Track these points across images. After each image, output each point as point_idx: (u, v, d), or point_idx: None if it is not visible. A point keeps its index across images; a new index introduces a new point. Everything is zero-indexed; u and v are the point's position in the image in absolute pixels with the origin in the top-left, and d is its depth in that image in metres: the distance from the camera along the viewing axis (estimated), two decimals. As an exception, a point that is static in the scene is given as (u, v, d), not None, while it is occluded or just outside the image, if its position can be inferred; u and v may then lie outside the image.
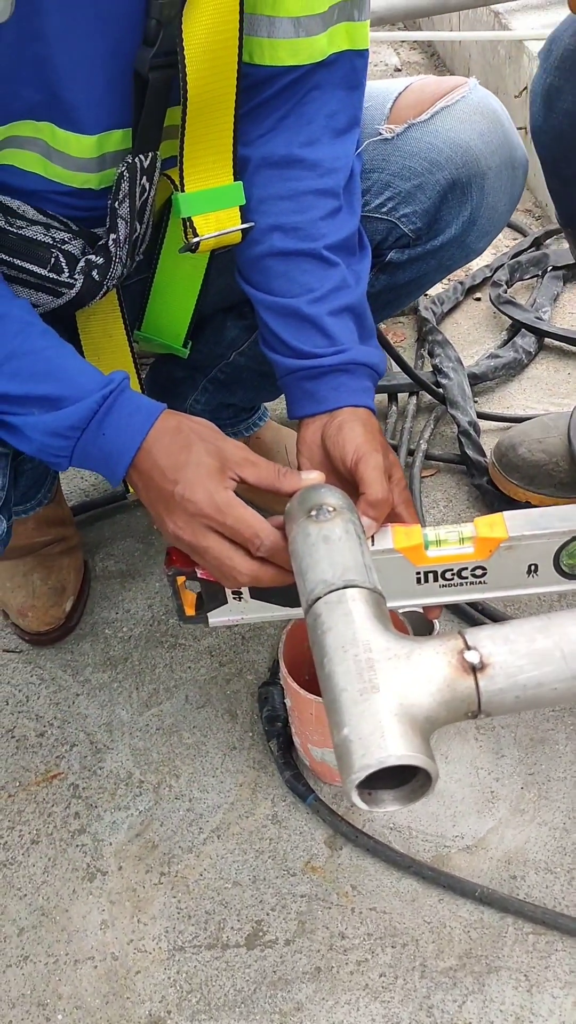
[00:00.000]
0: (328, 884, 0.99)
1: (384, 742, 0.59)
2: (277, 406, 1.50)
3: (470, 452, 1.39)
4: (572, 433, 1.26)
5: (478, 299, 1.77)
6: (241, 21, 0.83)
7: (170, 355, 1.17)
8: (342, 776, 0.60)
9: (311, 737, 1.01)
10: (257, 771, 1.09)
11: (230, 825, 1.05)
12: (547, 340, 1.62)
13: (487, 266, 1.78)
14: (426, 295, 1.70)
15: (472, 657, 0.62)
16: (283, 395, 1.42)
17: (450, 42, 2.64)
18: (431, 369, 1.56)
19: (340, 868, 1.00)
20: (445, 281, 1.82)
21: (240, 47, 0.84)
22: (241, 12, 0.82)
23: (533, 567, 0.85)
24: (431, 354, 1.56)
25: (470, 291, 1.77)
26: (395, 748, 0.58)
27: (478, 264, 1.79)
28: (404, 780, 0.62)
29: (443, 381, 1.49)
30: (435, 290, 1.75)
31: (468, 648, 0.63)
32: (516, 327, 1.65)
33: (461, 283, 1.75)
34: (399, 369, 1.40)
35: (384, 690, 0.61)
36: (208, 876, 1.01)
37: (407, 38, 2.71)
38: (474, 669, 0.62)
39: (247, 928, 0.97)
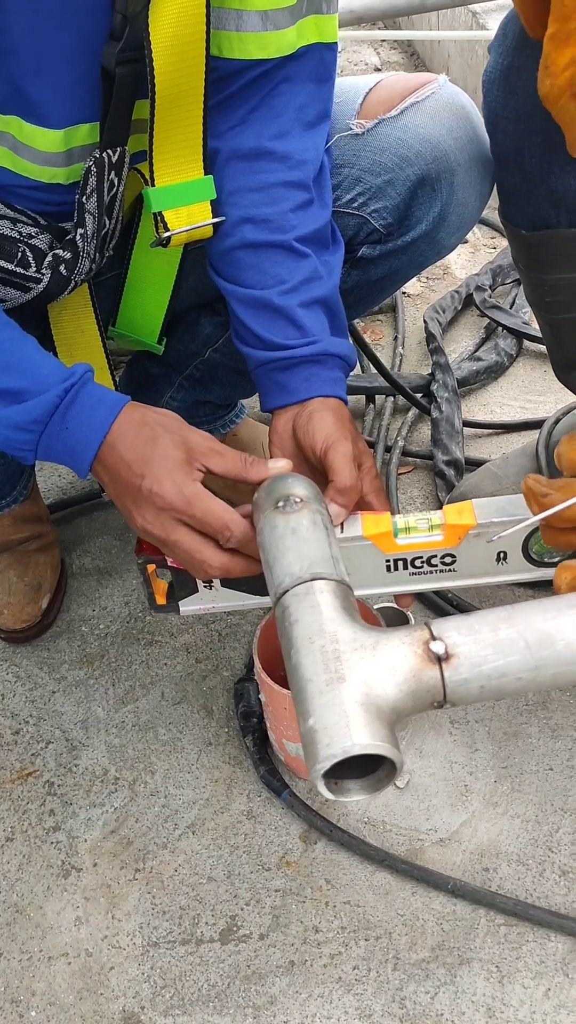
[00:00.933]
0: (302, 878, 0.99)
1: (349, 731, 0.59)
2: (254, 403, 1.50)
3: (441, 495, 1.35)
4: (539, 449, 1.24)
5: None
6: (208, 15, 0.83)
7: (146, 352, 1.17)
8: (308, 765, 0.60)
9: (286, 732, 1.01)
10: (232, 767, 1.09)
11: (205, 821, 1.05)
12: (525, 343, 1.63)
13: (476, 274, 1.76)
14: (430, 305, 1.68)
15: (437, 647, 0.63)
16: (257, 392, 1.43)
17: (429, 41, 2.65)
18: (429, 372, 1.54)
19: (314, 862, 1.00)
20: (428, 279, 1.82)
21: (208, 41, 0.84)
22: (208, 6, 0.82)
23: (502, 554, 0.86)
24: (432, 375, 1.52)
25: (468, 299, 1.72)
26: (360, 737, 0.59)
27: (471, 271, 1.79)
28: (370, 769, 0.63)
29: (434, 414, 1.45)
30: (436, 296, 1.74)
31: (433, 638, 0.63)
32: (492, 327, 1.65)
33: (458, 292, 1.72)
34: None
35: (350, 680, 0.62)
36: (183, 872, 1.01)
37: (386, 37, 2.72)
38: (439, 659, 0.62)
39: (221, 923, 0.97)
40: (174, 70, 0.84)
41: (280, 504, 0.75)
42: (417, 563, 0.85)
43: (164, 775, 1.09)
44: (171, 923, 0.97)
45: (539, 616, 0.63)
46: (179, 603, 0.92)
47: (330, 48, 0.92)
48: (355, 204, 1.03)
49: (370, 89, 1.03)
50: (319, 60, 0.92)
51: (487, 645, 0.63)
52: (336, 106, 0.98)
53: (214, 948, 0.95)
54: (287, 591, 0.69)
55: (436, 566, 0.86)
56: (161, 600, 0.92)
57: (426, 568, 0.86)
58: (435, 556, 0.85)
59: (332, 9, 0.91)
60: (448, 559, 0.85)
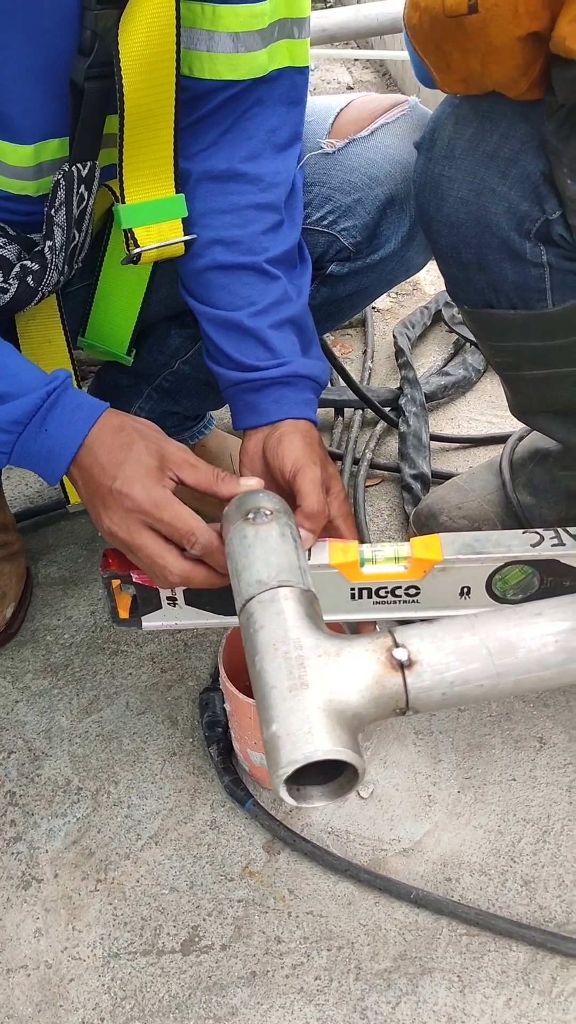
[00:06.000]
0: (265, 889, 0.99)
1: (312, 737, 0.59)
2: (223, 414, 1.50)
3: (408, 508, 1.36)
4: (503, 464, 1.26)
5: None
6: (178, 33, 0.84)
7: (115, 363, 1.17)
8: (270, 771, 0.61)
9: (251, 742, 1.01)
10: (197, 777, 1.09)
11: (168, 831, 1.05)
12: (490, 356, 1.65)
13: (445, 291, 1.79)
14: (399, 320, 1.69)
15: (400, 654, 0.63)
16: (226, 404, 1.43)
17: (401, 61, 2.69)
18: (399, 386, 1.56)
19: (278, 873, 1.00)
20: (395, 296, 1.84)
21: (178, 59, 0.85)
22: (178, 24, 0.83)
23: (466, 589, 0.87)
24: (400, 390, 1.54)
25: (437, 315, 1.75)
26: (322, 743, 0.59)
27: (439, 287, 1.81)
28: (332, 776, 0.63)
29: (402, 428, 1.47)
30: (406, 312, 1.76)
31: (397, 645, 0.64)
32: (460, 342, 1.68)
33: (427, 308, 1.74)
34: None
35: (313, 687, 0.62)
36: (145, 882, 1.01)
37: (359, 56, 2.75)
38: (402, 666, 0.63)
39: (183, 934, 0.96)
40: (143, 86, 0.85)
41: (250, 516, 0.76)
42: (381, 593, 0.87)
43: (127, 785, 1.09)
44: (132, 934, 0.97)
45: (501, 624, 0.65)
46: (142, 618, 0.92)
47: (301, 72, 0.94)
48: (325, 222, 1.04)
49: (341, 109, 1.05)
50: (291, 83, 0.93)
51: (449, 652, 0.64)
52: (308, 125, 0.99)
53: (175, 959, 0.95)
54: (252, 597, 0.69)
55: (400, 596, 0.87)
56: (124, 614, 0.92)
57: (390, 598, 0.87)
58: (399, 587, 0.86)
59: (304, 34, 0.92)
60: (412, 591, 0.86)
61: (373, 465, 1.46)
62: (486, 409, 1.58)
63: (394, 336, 1.66)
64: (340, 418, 1.55)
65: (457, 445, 1.50)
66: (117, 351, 1.14)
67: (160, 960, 0.95)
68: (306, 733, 0.59)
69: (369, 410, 1.51)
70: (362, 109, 1.04)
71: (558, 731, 1.10)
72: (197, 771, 1.09)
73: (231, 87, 0.91)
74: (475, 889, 0.97)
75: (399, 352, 1.62)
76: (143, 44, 0.82)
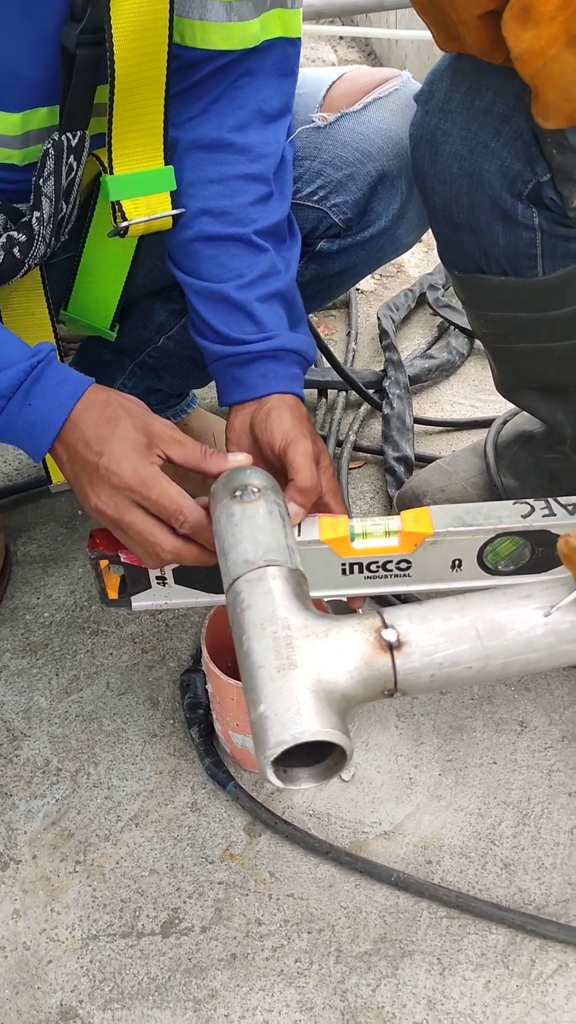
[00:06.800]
0: (246, 871, 0.98)
1: (300, 718, 0.59)
2: (205, 394, 1.49)
3: (391, 490, 1.35)
4: (487, 447, 1.26)
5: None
6: (172, 1, 0.82)
7: (98, 338, 1.15)
8: (257, 752, 0.60)
9: (232, 724, 1.00)
10: (177, 759, 1.08)
11: (148, 813, 1.04)
12: (477, 341, 1.64)
13: (430, 273, 1.77)
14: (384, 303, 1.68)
15: (389, 635, 0.63)
16: (211, 382, 1.42)
17: (387, 40, 2.66)
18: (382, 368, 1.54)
19: (258, 855, 0.99)
20: (381, 276, 1.83)
21: (171, 27, 0.83)
22: None
23: (457, 562, 0.86)
24: (384, 372, 1.53)
25: (421, 297, 1.73)
26: (311, 724, 0.58)
27: (424, 270, 1.80)
28: (319, 758, 0.63)
29: (386, 410, 1.46)
30: (390, 294, 1.75)
31: (386, 626, 0.63)
32: (444, 325, 1.67)
33: (411, 290, 1.72)
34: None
35: (301, 667, 0.61)
36: (125, 864, 1.00)
37: (344, 33, 2.72)
38: (391, 647, 0.63)
39: (163, 916, 0.96)
40: (135, 55, 0.83)
41: (238, 493, 0.74)
42: (372, 567, 0.86)
43: (107, 766, 1.08)
44: (111, 916, 0.96)
45: (490, 606, 0.64)
46: (131, 598, 0.91)
47: (294, 43, 0.92)
48: (315, 197, 1.03)
49: (333, 82, 1.03)
50: (282, 54, 0.92)
51: (439, 634, 0.63)
52: (299, 98, 0.98)
53: (155, 941, 0.94)
54: (240, 576, 0.68)
55: (391, 571, 0.86)
56: (113, 595, 0.91)
57: (381, 572, 0.86)
58: (391, 561, 0.85)
59: (296, 4, 0.90)
60: (403, 564, 0.85)
61: (356, 447, 1.45)
62: (469, 393, 1.57)
63: (378, 318, 1.65)
64: (323, 399, 1.54)
65: (440, 428, 1.50)
66: (100, 326, 1.12)
67: (140, 942, 0.94)
68: (294, 714, 0.59)
69: (353, 392, 1.50)
70: (354, 83, 1.03)
71: (539, 714, 1.10)
72: (178, 753, 1.09)
73: (223, 56, 0.89)
74: (455, 872, 0.97)
75: (383, 334, 1.61)
76: (136, 11, 0.80)
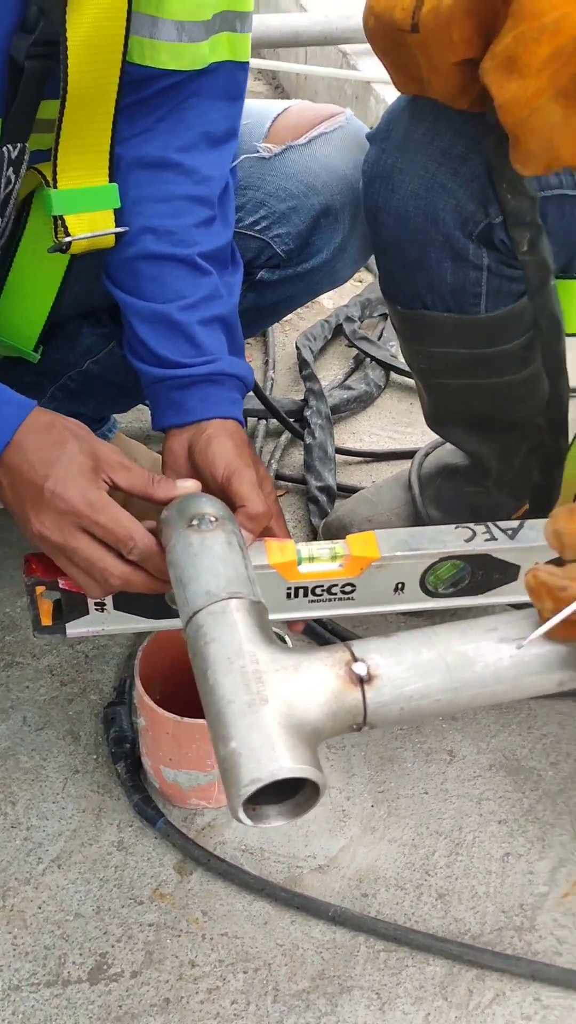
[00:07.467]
0: (178, 911, 0.95)
1: (275, 754, 0.57)
2: (124, 418, 1.46)
3: (315, 520, 1.34)
4: (412, 479, 1.28)
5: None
6: (129, 18, 0.81)
7: (17, 359, 1.11)
8: (228, 791, 0.58)
9: (165, 758, 0.98)
10: (102, 795, 1.04)
11: (72, 854, 0.99)
12: (393, 374, 1.67)
13: (345, 305, 1.79)
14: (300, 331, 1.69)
15: (360, 669, 0.62)
16: (134, 407, 1.39)
17: (295, 75, 2.70)
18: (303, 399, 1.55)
19: (190, 894, 0.97)
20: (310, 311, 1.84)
21: (126, 44, 0.82)
22: (130, 8, 0.80)
23: (400, 585, 0.87)
24: (306, 402, 1.53)
25: (337, 329, 1.74)
26: (286, 760, 0.57)
27: (338, 303, 1.82)
28: (288, 794, 0.61)
29: (307, 439, 1.46)
30: (308, 325, 1.76)
31: (355, 660, 0.63)
32: (361, 357, 1.69)
33: (328, 321, 1.74)
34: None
35: (272, 702, 0.60)
36: (48, 909, 0.95)
37: (258, 66, 2.75)
38: (361, 681, 0.62)
39: (90, 962, 0.92)
40: (88, 71, 0.81)
41: (195, 522, 0.73)
42: (317, 591, 0.86)
43: (26, 805, 1.03)
44: (35, 964, 0.91)
45: (459, 639, 0.64)
46: (66, 625, 0.87)
47: (242, 67, 0.92)
48: (258, 227, 1.03)
49: (278, 115, 1.04)
50: (230, 78, 0.91)
51: (409, 667, 0.63)
52: (243, 128, 0.98)
53: (82, 989, 0.90)
54: (202, 609, 0.66)
55: (336, 594, 0.86)
56: (47, 621, 0.87)
57: (326, 596, 0.86)
58: (335, 585, 0.85)
59: (246, 29, 0.91)
60: (348, 588, 0.86)
61: (278, 476, 1.45)
62: (387, 424, 1.60)
63: (297, 348, 1.66)
64: (243, 427, 1.53)
65: (361, 459, 1.51)
66: (24, 347, 1.09)
67: (66, 991, 0.89)
68: (269, 750, 0.57)
69: (273, 420, 1.50)
70: (300, 116, 1.04)
71: (467, 743, 1.11)
72: (102, 789, 1.05)
73: (171, 76, 0.88)
74: (391, 904, 0.97)
75: (303, 364, 1.61)
76: (92, 25, 0.78)
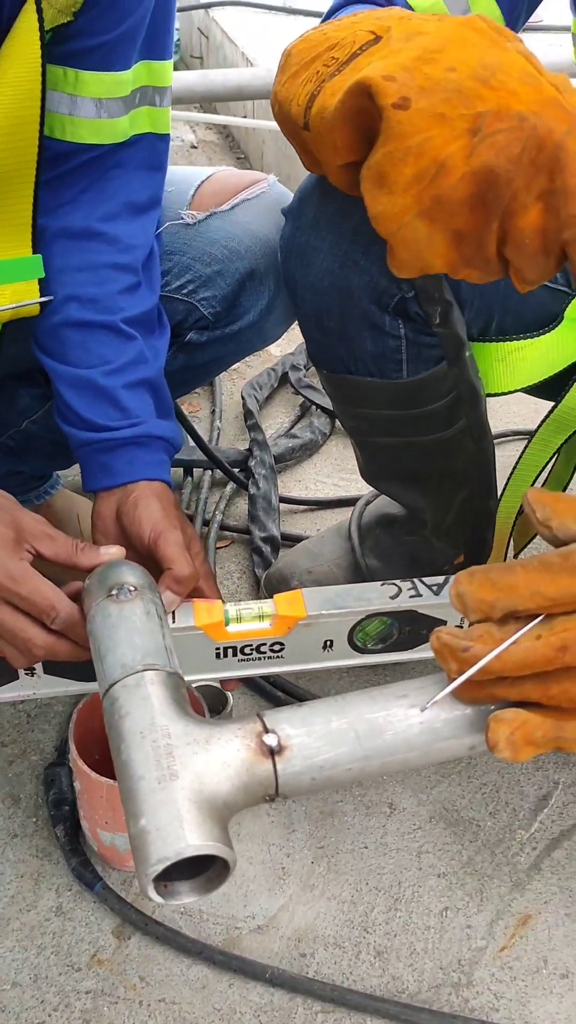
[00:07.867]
0: (115, 977, 0.95)
1: (183, 832, 0.57)
2: (69, 473, 1.46)
3: (258, 571, 1.36)
4: (352, 529, 1.29)
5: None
6: (43, 97, 0.82)
7: (-45, 419, 1.12)
8: (138, 869, 0.58)
9: (101, 821, 0.97)
10: (41, 859, 1.03)
11: (9, 920, 0.98)
12: (338, 422, 1.69)
13: (291, 353, 1.82)
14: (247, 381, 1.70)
15: (270, 740, 0.62)
16: (74, 464, 1.39)
17: (244, 129, 2.75)
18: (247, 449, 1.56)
19: (128, 959, 0.96)
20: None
21: (42, 121, 0.84)
22: (43, 87, 0.82)
23: (328, 642, 0.88)
24: (250, 451, 1.55)
25: (283, 376, 1.77)
26: (193, 838, 0.57)
27: (286, 350, 1.84)
28: (201, 869, 0.61)
29: (252, 490, 1.47)
30: (255, 372, 1.78)
31: (267, 731, 0.63)
32: (307, 405, 1.71)
33: (274, 369, 1.76)
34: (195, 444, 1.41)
35: (182, 777, 0.60)
36: (-16, 979, 0.94)
37: (205, 120, 2.80)
38: (272, 752, 0.62)
39: (26, 1033, 0.90)
40: (6, 150, 0.82)
41: (113, 592, 0.73)
42: (246, 650, 0.86)
43: (-36, 872, 1.02)
44: (-31, 1038, 0.90)
45: (368, 707, 0.65)
46: None
47: (163, 138, 0.94)
48: (184, 291, 1.04)
49: (202, 182, 1.06)
50: (151, 149, 0.93)
51: (319, 737, 0.63)
52: (168, 195, 1.00)
53: (18, 1062, 0.89)
54: (117, 682, 0.66)
55: (265, 653, 0.87)
56: (-26, 688, 0.87)
57: (255, 655, 0.87)
58: (264, 644, 0.86)
59: (165, 103, 0.93)
60: (277, 647, 0.86)
61: (223, 527, 1.46)
62: (332, 471, 1.61)
63: (243, 397, 1.68)
64: (190, 478, 1.55)
65: (306, 508, 1.52)
66: (-41, 409, 1.09)
67: (0, 1065, 0.88)
68: (177, 828, 0.57)
69: (219, 470, 1.51)
70: (223, 183, 1.06)
71: (407, 796, 1.12)
72: (41, 853, 1.04)
73: (93, 150, 0.90)
74: (330, 963, 0.97)
75: (248, 414, 1.63)
76: (8, 105, 0.80)
